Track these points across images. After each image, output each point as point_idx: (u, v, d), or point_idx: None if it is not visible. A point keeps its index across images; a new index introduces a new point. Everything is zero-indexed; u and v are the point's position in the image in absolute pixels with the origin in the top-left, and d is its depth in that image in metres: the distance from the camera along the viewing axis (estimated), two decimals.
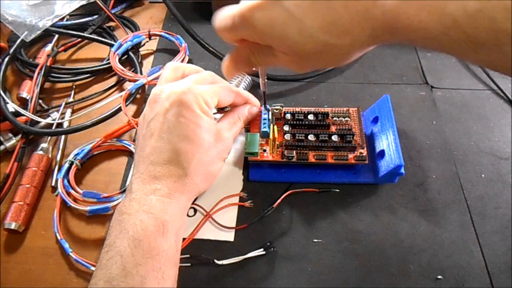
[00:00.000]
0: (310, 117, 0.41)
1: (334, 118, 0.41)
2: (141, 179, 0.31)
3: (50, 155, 0.44)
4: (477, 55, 0.22)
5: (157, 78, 0.47)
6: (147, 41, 0.55)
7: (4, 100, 0.46)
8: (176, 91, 0.32)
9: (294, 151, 0.39)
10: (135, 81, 0.47)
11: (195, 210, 0.39)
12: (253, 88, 0.50)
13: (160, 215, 0.29)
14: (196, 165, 0.32)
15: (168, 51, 0.55)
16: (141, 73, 0.51)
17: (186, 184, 0.32)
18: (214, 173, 0.35)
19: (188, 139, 0.32)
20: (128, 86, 0.47)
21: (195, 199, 0.38)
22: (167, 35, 0.54)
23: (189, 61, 0.53)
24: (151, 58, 0.55)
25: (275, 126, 0.40)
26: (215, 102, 0.35)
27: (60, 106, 0.49)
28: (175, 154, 0.31)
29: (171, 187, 0.31)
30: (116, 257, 0.27)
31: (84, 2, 0.57)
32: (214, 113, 0.44)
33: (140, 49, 0.55)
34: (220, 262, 0.35)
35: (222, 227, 0.38)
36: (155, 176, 0.31)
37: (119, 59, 0.51)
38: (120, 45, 0.52)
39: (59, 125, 0.47)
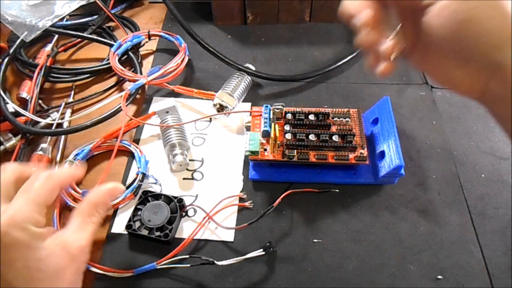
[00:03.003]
0: (311, 117, 0.41)
1: (335, 119, 0.41)
2: None
3: (50, 155, 0.44)
4: None
5: (156, 78, 0.47)
6: (146, 42, 0.55)
7: (4, 100, 0.46)
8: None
9: (295, 151, 0.39)
10: (134, 81, 0.47)
11: (195, 211, 0.39)
12: (253, 89, 0.50)
13: None
14: None
15: (167, 51, 0.55)
16: (141, 73, 0.51)
17: None
18: (79, 285, 0.29)
19: (38, 281, 0.25)
20: (128, 86, 0.47)
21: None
22: (166, 36, 0.54)
23: (189, 61, 0.53)
24: (151, 58, 0.55)
25: (276, 125, 0.40)
26: (44, 212, 0.27)
27: (60, 106, 0.49)
28: None
29: None
30: None
31: (84, 2, 0.57)
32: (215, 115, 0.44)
33: (140, 49, 0.55)
34: (220, 263, 0.35)
35: (222, 227, 0.38)
36: None
37: (119, 59, 0.51)
38: (120, 45, 0.52)
39: (59, 125, 0.47)
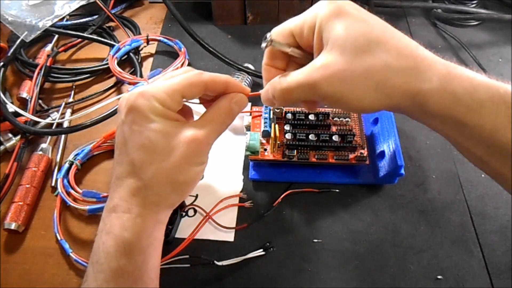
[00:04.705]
0: (311, 117, 0.41)
1: (335, 119, 0.41)
2: (108, 195, 0.30)
3: (50, 155, 0.44)
4: None
5: None
6: (145, 46, 0.55)
7: (4, 100, 0.46)
8: (129, 98, 0.29)
9: (295, 151, 0.39)
10: (135, 83, 0.47)
11: (195, 211, 0.39)
12: (253, 89, 0.50)
13: (120, 234, 0.27)
14: (155, 175, 0.28)
15: (167, 53, 0.55)
16: (141, 75, 0.51)
17: (148, 197, 0.28)
18: (186, 181, 0.30)
19: (143, 147, 0.28)
20: (129, 88, 0.47)
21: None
22: (165, 40, 0.54)
23: (189, 64, 0.52)
24: (150, 60, 0.55)
25: (276, 125, 0.40)
26: (178, 99, 0.30)
27: (60, 106, 0.49)
28: (131, 165, 0.29)
29: (130, 201, 0.28)
30: (86, 282, 0.28)
31: (84, 2, 0.57)
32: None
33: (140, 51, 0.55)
34: (220, 263, 0.35)
35: (222, 227, 0.38)
36: (115, 191, 0.29)
37: (120, 59, 0.51)
38: (118, 49, 0.52)
39: (59, 125, 0.47)
